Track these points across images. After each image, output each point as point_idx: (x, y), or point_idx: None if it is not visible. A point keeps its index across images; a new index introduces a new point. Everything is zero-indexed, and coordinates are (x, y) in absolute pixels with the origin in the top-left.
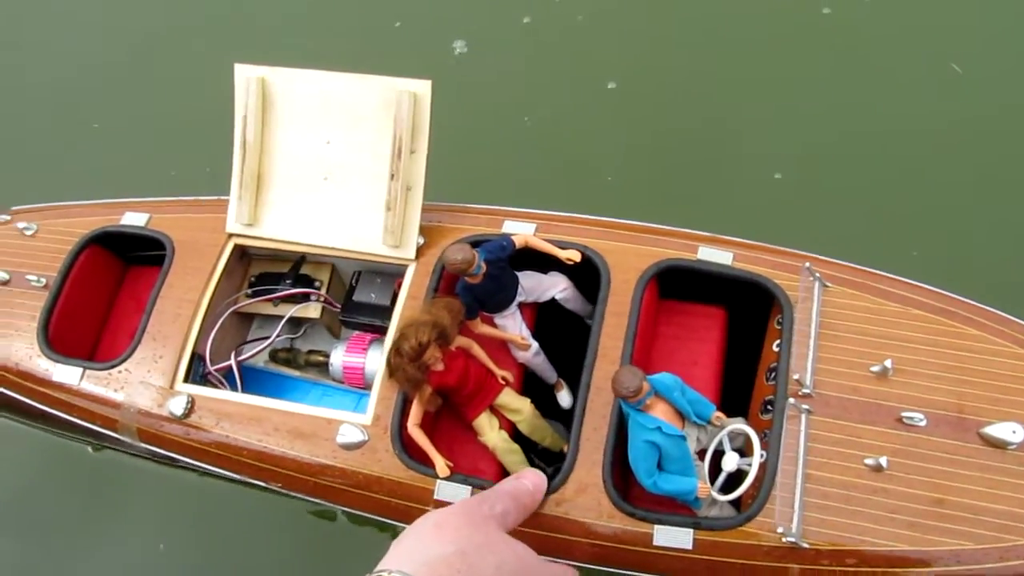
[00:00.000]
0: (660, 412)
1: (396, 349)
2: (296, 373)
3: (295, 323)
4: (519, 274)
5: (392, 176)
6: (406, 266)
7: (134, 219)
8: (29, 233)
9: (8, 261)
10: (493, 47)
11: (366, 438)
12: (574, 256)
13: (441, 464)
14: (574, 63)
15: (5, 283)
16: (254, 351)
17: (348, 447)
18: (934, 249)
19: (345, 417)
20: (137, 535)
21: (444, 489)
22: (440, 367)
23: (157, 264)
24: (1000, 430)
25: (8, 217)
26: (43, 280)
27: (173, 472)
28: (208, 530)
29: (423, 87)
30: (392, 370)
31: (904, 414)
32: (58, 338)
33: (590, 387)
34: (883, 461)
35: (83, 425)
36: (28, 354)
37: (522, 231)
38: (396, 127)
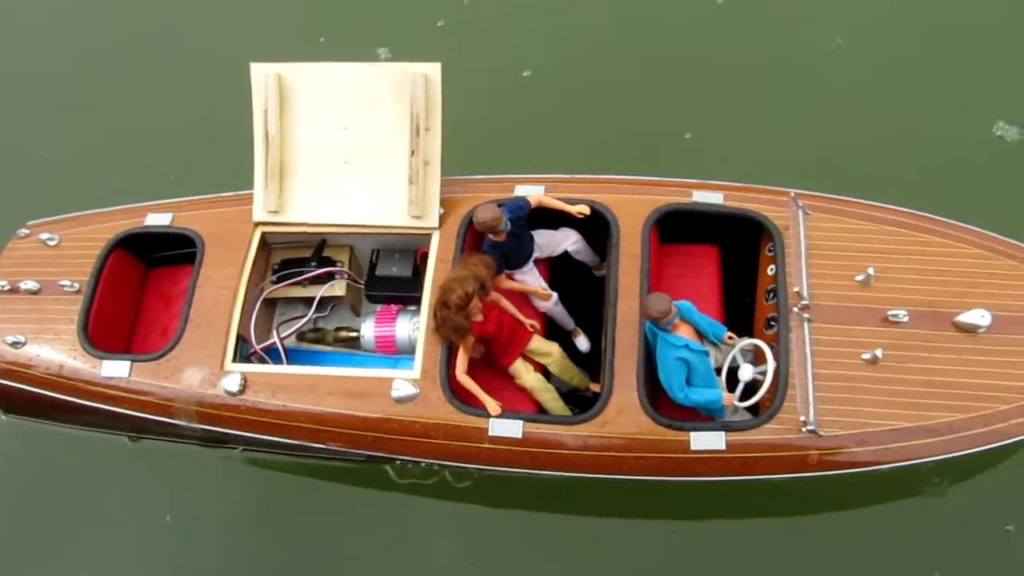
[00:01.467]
0: (684, 332)
1: (443, 302)
2: (327, 349)
3: (318, 303)
4: (533, 232)
5: (412, 152)
6: (430, 235)
7: (158, 219)
8: (52, 244)
9: (36, 272)
10: (413, 50)
11: (418, 391)
12: (584, 210)
13: (492, 404)
14: (489, 57)
15: (36, 292)
16: (294, 328)
17: (402, 400)
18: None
19: (395, 374)
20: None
21: (497, 426)
22: (480, 317)
23: (178, 263)
24: (970, 317)
25: (27, 231)
26: (76, 285)
27: (213, 452)
28: (241, 501)
29: (434, 69)
30: (440, 322)
31: (889, 313)
32: (98, 337)
33: (616, 320)
34: (879, 352)
35: (132, 415)
36: (72, 354)
37: (533, 193)
38: (413, 106)
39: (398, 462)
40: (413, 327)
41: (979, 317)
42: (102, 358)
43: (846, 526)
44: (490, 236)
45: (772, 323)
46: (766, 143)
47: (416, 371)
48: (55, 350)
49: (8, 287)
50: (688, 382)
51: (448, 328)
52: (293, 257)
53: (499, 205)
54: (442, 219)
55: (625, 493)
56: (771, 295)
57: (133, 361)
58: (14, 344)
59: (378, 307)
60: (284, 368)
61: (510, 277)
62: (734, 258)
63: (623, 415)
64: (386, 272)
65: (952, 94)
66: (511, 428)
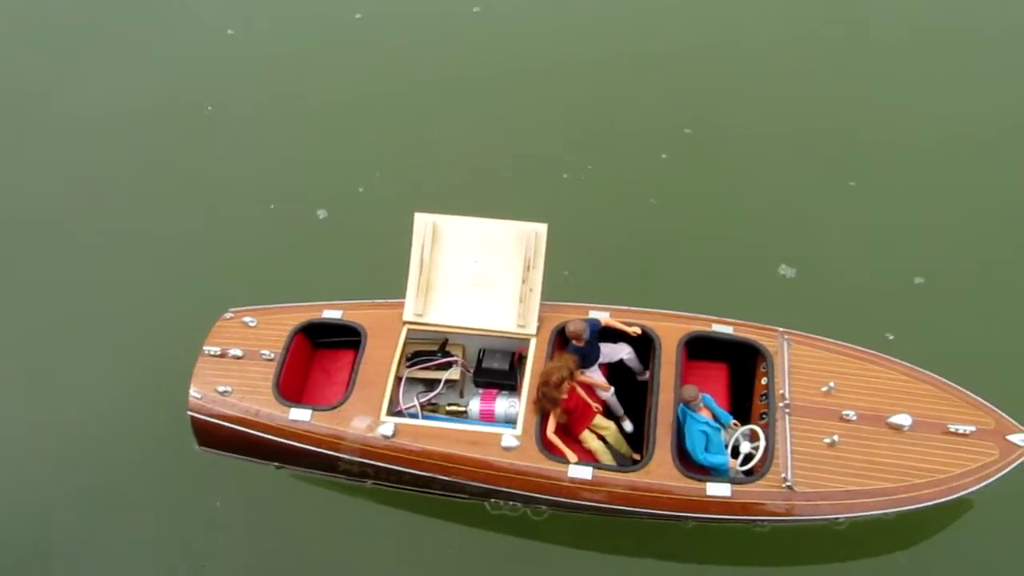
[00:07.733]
0: (705, 414)
1: (545, 382)
2: (442, 416)
3: (430, 383)
4: (599, 344)
5: (523, 281)
6: (528, 340)
7: (332, 314)
8: (252, 325)
9: (241, 343)
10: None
11: (519, 443)
12: (637, 330)
13: (572, 454)
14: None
15: (240, 358)
16: (429, 396)
17: (509, 449)
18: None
19: (504, 430)
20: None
21: (575, 470)
22: (565, 396)
23: (338, 348)
24: (898, 419)
25: (232, 315)
26: (272, 355)
27: (347, 483)
28: (370, 523)
29: (542, 228)
30: (541, 396)
31: (843, 413)
32: (284, 393)
33: (659, 406)
34: (836, 438)
35: (306, 449)
36: (267, 403)
37: (602, 316)
38: (526, 252)
39: (493, 500)
40: (509, 405)
41: (904, 420)
42: (290, 406)
43: None
44: (574, 342)
45: (763, 416)
46: None
47: (519, 430)
48: (253, 399)
49: (219, 352)
50: (706, 449)
51: (547, 400)
52: (421, 349)
53: (583, 321)
54: (538, 330)
55: (646, 536)
56: (763, 397)
57: (314, 410)
58: (223, 392)
59: (480, 391)
60: (423, 422)
61: (582, 374)
62: (736, 373)
63: (661, 467)
64: (490, 366)
65: (742, 245)
66: (585, 472)
